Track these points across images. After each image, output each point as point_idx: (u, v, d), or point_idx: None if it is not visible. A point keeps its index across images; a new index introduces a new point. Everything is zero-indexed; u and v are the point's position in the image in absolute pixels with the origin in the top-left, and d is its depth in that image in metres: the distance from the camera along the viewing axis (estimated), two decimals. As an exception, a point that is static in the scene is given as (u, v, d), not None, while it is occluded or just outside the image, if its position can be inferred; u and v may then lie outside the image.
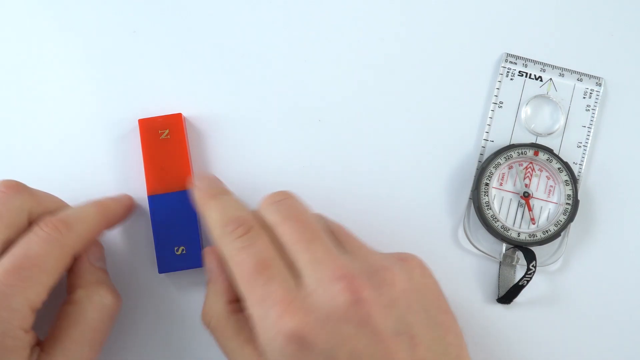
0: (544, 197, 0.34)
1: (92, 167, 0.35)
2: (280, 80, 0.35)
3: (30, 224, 0.29)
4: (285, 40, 0.35)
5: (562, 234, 0.34)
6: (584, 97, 0.35)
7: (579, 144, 0.35)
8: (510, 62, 0.35)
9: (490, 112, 0.35)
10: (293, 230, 0.28)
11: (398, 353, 0.26)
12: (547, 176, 0.34)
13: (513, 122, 0.35)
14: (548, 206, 0.34)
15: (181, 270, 0.33)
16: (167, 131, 0.34)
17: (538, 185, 0.34)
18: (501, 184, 0.34)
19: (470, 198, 0.34)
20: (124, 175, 0.35)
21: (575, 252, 0.34)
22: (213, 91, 0.35)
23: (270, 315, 0.26)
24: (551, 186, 0.34)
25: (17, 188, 0.29)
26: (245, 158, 0.35)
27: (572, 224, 0.34)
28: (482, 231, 0.34)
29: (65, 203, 0.32)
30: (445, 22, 0.36)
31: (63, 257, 0.29)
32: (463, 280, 0.34)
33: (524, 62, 0.35)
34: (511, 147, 0.34)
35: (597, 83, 0.35)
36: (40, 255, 0.28)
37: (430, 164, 0.35)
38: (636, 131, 0.35)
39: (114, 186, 0.34)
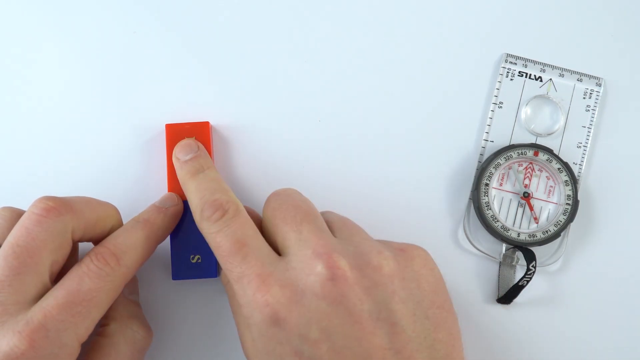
0: (544, 197, 0.34)
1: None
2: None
3: (74, 241, 0.29)
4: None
5: (562, 234, 0.34)
6: (584, 98, 0.35)
7: (579, 144, 0.35)
8: (510, 62, 0.35)
9: (490, 112, 0.35)
10: (287, 213, 0.29)
11: (374, 337, 0.26)
12: (547, 176, 0.34)
13: (513, 122, 0.35)
14: (548, 206, 0.34)
15: (195, 278, 0.33)
16: (193, 139, 0.33)
17: (538, 186, 0.34)
18: (501, 184, 0.34)
19: (470, 198, 0.34)
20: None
21: (575, 252, 0.34)
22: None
23: (247, 291, 0.27)
24: (551, 186, 0.34)
25: (58, 210, 0.28)
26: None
27: (572, 224, 0.34)
28: (482, 231, 0.34)
29: (104, 206, 0.31)
30: (445, 23, 0.36)
31: (114, 291, 0.28)
32: (463, 281, 0.34)
33: (524, 62, 0.35)
34: (511, 147, 0.34)
35: (597, 83, 0.35)
36: (92, 290, 0.27)
37: (430, 165, 0.35)
38: (636, 131, 0.35)
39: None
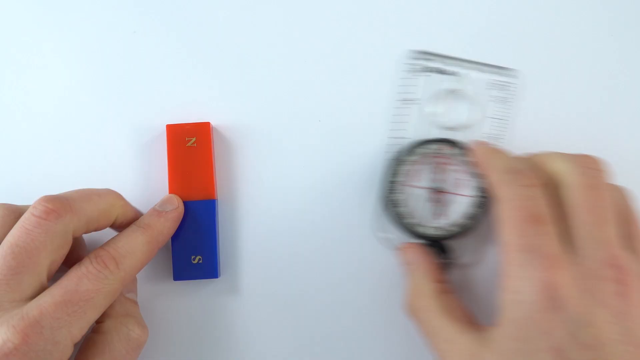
0: (457, 191, 0.34)
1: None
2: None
3: (76, 238, 0.30)
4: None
5: (476, 226, 0.33)
6: (498, 90, 0.34)
7: (496, 136, 0.34)
8: (421, 58, 0.35)
9: (398, 110, 0.35)
10: (591, 200, 0.28)
11: None
12: (458, 170, 0.34)
13: (424, 118, 0.35)
14: (460, 200, 0.34)
15: (196, 279, 0.34)
16: (194, 139, 0.34)
17: (450, 180, 0.34)
18: (413, 181, 0.34)
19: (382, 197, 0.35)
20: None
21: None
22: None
23: (533, 264, 0.26)
24: (461, 180, 0.34)
25: (57, 212, 0.28)
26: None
27: (487, 217, 0.34)
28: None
29: (105, 198, 0.31)
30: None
31: (111, 294, 0.29)
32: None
33: (436, 57, 0.35)
34: (421, 143, 0.34)
35: (509, 75, 0.35)
36: (89, 291, 0.28)
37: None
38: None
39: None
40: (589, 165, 0.29)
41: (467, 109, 0.35)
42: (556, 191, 0.29)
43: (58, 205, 0.28)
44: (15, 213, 0.30)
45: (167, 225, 0.32)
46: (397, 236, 0.34)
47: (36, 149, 0.35)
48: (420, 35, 0.35)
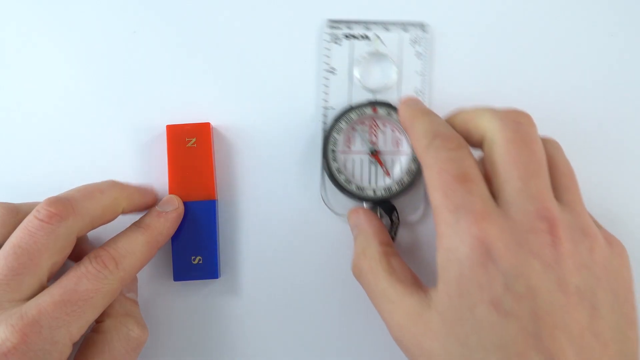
0: (393, 149, 0.35)
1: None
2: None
3: (77, 239, 0.29)
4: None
5: (417, 182, 0.34)
6: (413, 45, 0.35)
7: (418, 92, 0.35)
8: (333, 27, 0.35)
9: (324, 79, 0.35)
10: (520, 154, 0.28)
11: (577, 313, 0.25)
12: (391, 129, 0.35)
13: (349, 85, 0.35)
14: (399, 158, 0.35)
15: (196, 280, 0.34)
16: (194, 139, 0.34)
17: (385, 140, 0.35)
18: (349, 147, 0.35)
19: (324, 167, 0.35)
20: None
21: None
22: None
23: (462, 222, 0.26)
24: (398, 138, 0.35)
25: (61, 215, 0.28)
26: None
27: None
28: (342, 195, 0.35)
29: (108, 193, 0.31)
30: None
31: (110, 294, 0.29)
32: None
33: (346, 24, 0.35)
34: (349, 109, 0.34)
35: (421, 29, 0.35)
36: (89, 291, 0.28)
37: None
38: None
39: None
40: (516, 120, 0.29)
41: (388, 69, 0.35)
42: (485, 149, 0.29)
43: (61, 209, 0.28)
44: (15, 212, 0.30)
45: (167, 225, 0.32)
46: (346, 204, 0.35)
47: (37, 148, 0.35)
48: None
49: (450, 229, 0.27)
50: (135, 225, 0.32)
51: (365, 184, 0.35)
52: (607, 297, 0.26)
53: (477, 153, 0.29)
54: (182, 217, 0.33)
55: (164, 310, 0.35)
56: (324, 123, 0.35)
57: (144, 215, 0.33)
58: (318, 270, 0.35)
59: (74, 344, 0.28)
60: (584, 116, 0.36)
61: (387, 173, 0.35)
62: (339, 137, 0.34)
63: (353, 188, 0.34)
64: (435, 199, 0.28)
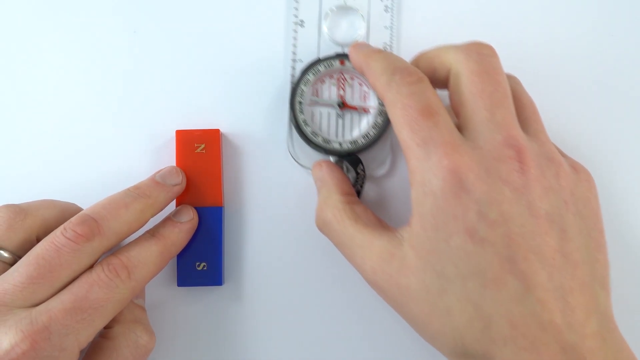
0: (361, 103, 0.35)
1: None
2: None
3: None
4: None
5: (382, 135, 0.34)
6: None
7: (385, 45, 0.35)
8: (303, -21, 0.35)
9: (293, 32, 0.35)
10: (485, 85, 0.28)
11: (547, 236, 0.26)
12: (359, 83, 0.35)
13: (317, 38, 0.35)
14: (368, 112, 0.35)
15: (200, 286, 0.34)
16: (203, 145, 0.34)
17: (353, 94, 0.35)
18: (317, 100, 0.35)
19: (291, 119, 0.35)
20: None
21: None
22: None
23: (432, 155, 0.27)
24: (365, 92, 0.35)
25: (87, 237, 0.28)
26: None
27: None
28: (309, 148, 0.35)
29: (133, 209, 0.30)
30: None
31: (121, 302, 0.29)
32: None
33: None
34: (317, 62, 0.34)
35: (390, -17, 0.35)
36: (99, 299, 0.28)
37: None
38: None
39: None
40: (479, 52, 0.29)
41: (357, 22, 0.35)
42: (451, 83, 0.29)
43: (87, 231, 0.28)
44: (23, 215, 0.30)
45: (181, 236, 0.32)
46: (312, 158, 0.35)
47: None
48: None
49: (421, 163, 0.27)
50: (149, 234, 0.31)
51: (332, 137, 0.35)
52: (575, 220, 0.27)
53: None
54: (195, 228, 0.33)
55: (167, 315, 0.35)
56: (292, 76, 0.35)
57: (159, 225, 0.32)
58: (322, 278, 0.35)
59: (81, 351, 0.28)
60: (583, 116, 0.36)
61: (355, 127, 0.35)
62: (306, 89, 0.34)
63: (319, 140, 0.34)
64: (402, 135, 0.28)
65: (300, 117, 0.34)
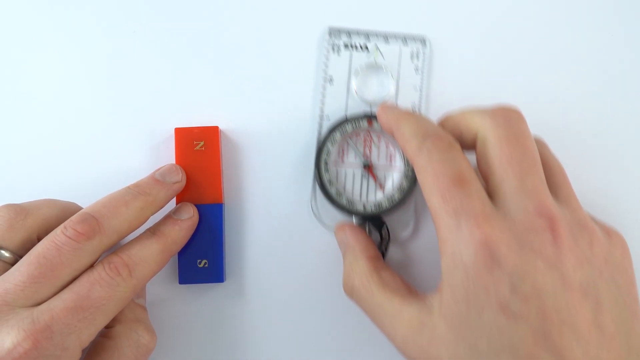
0: (386, 164, 0.34)
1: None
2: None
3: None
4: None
5: (408, 198, 0.34)
6: (412, 59, 0.35)
7: (414, 106, 0.35)
8: (334, 35, 0.35)
9: (322, 89, 0.35)
10: (514, 152, 0.28)
11: (582, 309, 0.25)
12: (386, 144, 0.34)
13: (346, 95, 0.35)
14: (392, 174, 0.34)
15: (201, 283, 0.34)
16: (202, 143, 0.33)
17: (379, 155, 0.34)
18: (342, 159, 0.34)
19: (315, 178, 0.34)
20: None
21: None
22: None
23: (464, 226, 0.26)
24: (391, 153, 0.34)
25: (88, 235, 0.28)
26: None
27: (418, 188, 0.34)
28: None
29: (133, 206, 0.30)
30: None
31: (122, 301, 0.29)
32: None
33: (347, 33, 0.35)
34: (345, 121, 0.34)
35: (422, 43, 0.35)
36: (101, 298, 0.28)
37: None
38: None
39: None
40: (506, 116, 0.29)
41: (386, 82, 0.35)
42: (478, 148, 0.29)
43: (87, 229, 0.28)
44: (23, 215, 0.30)
45: (182, 234, 0.32)
46: (336, 218, 0.34)
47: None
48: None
49: (452, 234, 0.26)
50: (150, 232, 0.31)
51: (355, 197, 0.34)
52: (609, 289, 0.27)
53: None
54: (196, 225, 0.33)
55: (169, 313, 0.34)
56: (319, 133, 0.34)
57: (159, 222, 0.32)
58: (324, 274, 0.35)
59: (83, 350, 0.27)
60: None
61: (381, 186, 0.34)
62: (332, 148, 0.34)
63: (343, 201, 0.33)
64: (433, 204, 0.27)
65: (325, 177, 0.33)
